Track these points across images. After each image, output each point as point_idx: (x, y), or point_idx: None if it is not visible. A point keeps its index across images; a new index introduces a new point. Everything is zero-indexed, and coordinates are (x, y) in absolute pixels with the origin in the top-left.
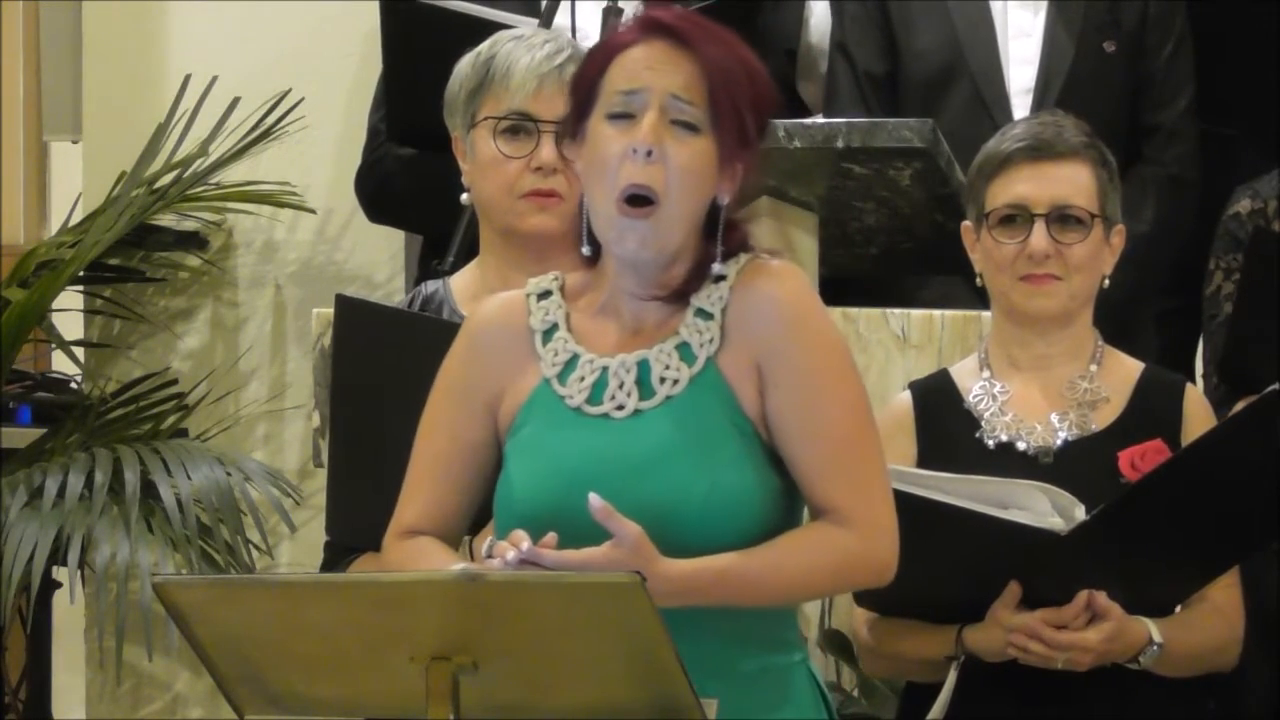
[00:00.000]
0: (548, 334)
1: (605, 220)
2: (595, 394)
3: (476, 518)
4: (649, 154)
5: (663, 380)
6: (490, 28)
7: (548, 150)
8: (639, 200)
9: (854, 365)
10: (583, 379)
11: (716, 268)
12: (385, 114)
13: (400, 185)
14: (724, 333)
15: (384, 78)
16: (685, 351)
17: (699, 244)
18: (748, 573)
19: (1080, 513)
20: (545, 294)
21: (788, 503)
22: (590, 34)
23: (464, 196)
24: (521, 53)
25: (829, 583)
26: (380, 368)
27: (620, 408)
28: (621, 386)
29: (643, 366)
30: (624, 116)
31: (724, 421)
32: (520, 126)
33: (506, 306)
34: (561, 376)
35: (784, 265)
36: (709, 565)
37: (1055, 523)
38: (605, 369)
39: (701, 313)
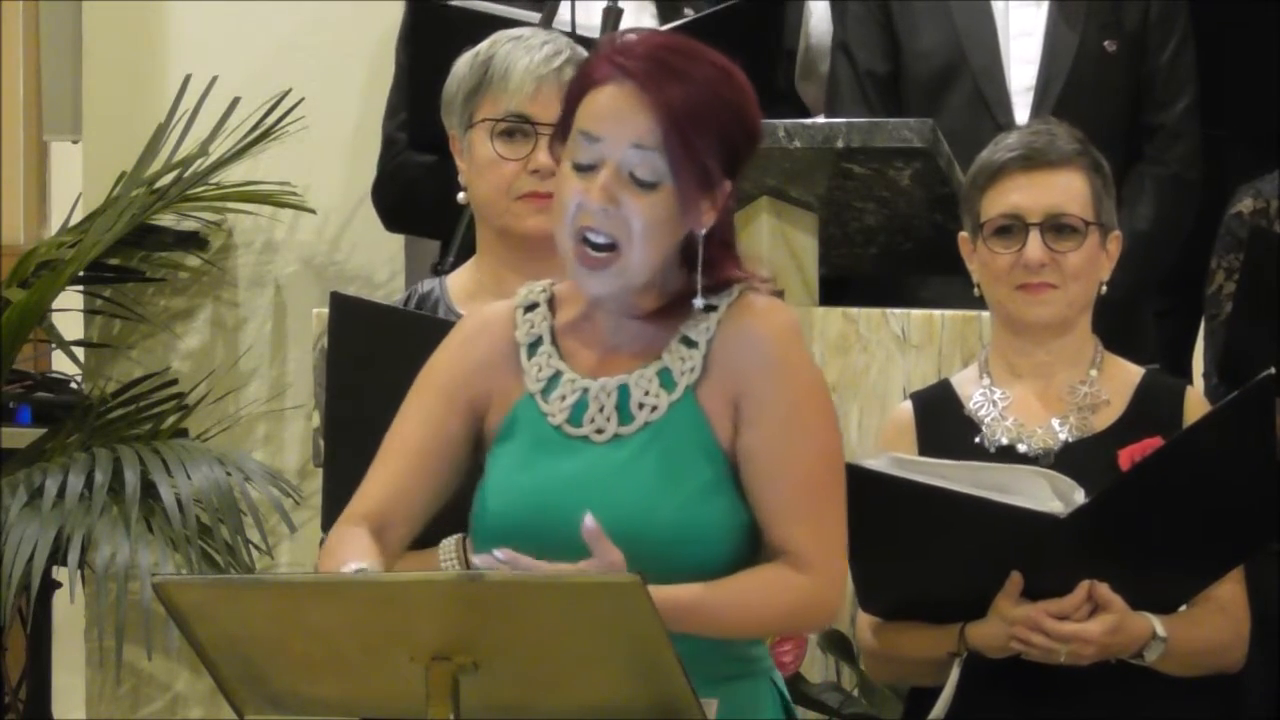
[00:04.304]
0: (532, 347)
1: (566, 259)
2: (575, 415)
3: (467, 518)
4: (604, 212)
5: (641, 406)
6: (520, 26)
7: (544, 153)
8: (601, 247)
9: (831, 410)
10: (564, 398)
11: (703, 301)
12: (406, 120)
13: (428, 192)
14: (707, 364)
15: (405, 84)
16: (665, 378)
17: (678, 271)
18: (712, 607)
19: (1080, 497)
20: (532, 306)
21: (752, 537)
22: (592, 32)
23: (460, 196)
24: (520, 54)
25: (780, 624)
26: (375, 365)
27: (600, 431)
28: (601, 410)
29: (622, 391)
30: (586, 168)
31: (698, 451)
32: (517, 128)
33: (496, 316)
34: (545, 393)
35: (772, 303)
36: (678, 597)
37: (1055, 506)
38: (586, 390)
39: (687, 340)
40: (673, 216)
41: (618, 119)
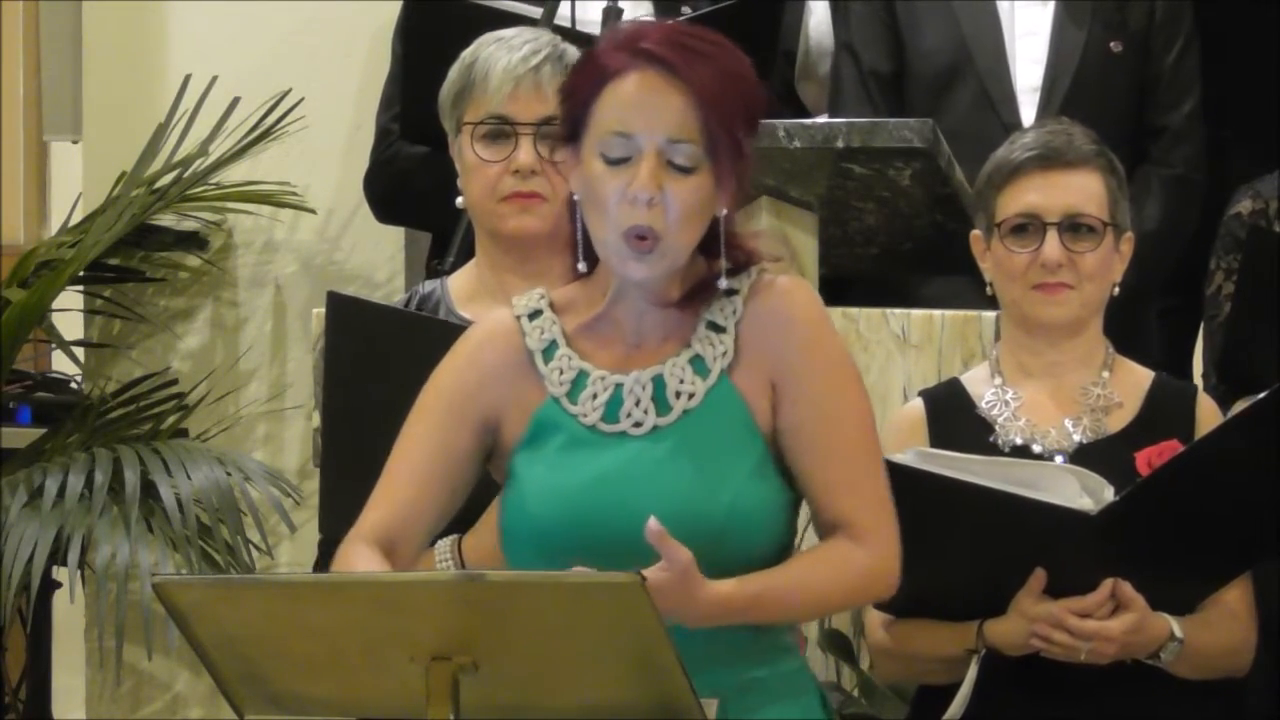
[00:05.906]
0: (547, 352)
1: (608, 248)
2: (610, 411)
3: (466, 517)
4: (649, 200)
5: (678, 395)
6: (516, 20)
7: (525, 153)
8: (644, 234)
9: (861, 378)
10: (595, 396)
11: (727, 282)
12: (400, 112)
13: (419, 183)
14: (738, 347)
15: (399, 76)
16: (698, 365)
17: (695, 257)
18: (779, 593)
19: (1109, 494)
20: (536, 313)
21: (793, 516)
22: (592, 28)
23: (459, 200)
24: (500, 55)
25: (846, 600)
26: (373, 365)
27: (638, 425)
28: (638, 403)
29: (657, 382)
30: (620, 160)
31: (740, 435)
32: (498, 130)
33: (500, 327)
34: (571, 395)
35: (794, 280)
36: (745, 588)
37: (1085, 503)
38: (619, 385)
39: (714, 325)
40: (711, 197)
41: (651, 107)
